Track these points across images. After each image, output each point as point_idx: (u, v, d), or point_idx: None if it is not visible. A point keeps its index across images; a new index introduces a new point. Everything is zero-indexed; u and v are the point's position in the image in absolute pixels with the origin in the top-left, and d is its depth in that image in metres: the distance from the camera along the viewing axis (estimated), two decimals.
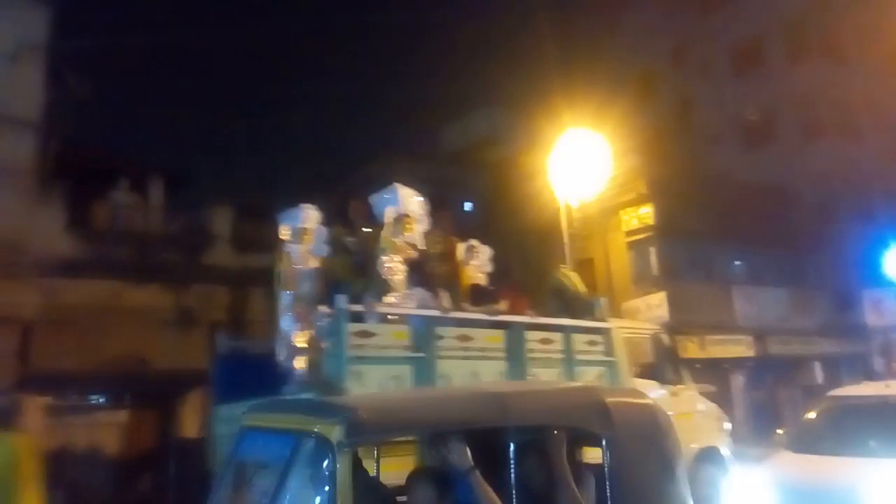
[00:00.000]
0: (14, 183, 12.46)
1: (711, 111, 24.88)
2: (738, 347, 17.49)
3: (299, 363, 6.49)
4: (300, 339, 6.55)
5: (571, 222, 12.55)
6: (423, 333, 6.45)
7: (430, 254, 7.32)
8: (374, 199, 7.11)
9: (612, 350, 7.86)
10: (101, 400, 13.69)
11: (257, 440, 3.70)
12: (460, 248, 7.99)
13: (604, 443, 3.77)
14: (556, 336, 7.36)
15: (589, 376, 7.47)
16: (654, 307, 15.65)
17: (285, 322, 6.75)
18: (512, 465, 3.47)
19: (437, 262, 7.48)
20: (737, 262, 19.14)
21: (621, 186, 15.94)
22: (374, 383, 5.99)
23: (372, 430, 3.27)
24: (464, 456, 3.35)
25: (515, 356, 6.96)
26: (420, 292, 7.02)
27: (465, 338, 6.75)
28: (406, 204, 7.00)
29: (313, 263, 6.91)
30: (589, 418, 3.81)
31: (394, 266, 6.72)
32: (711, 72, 25.13)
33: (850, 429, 7.34)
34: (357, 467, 3.78)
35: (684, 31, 25.88)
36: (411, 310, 6.67)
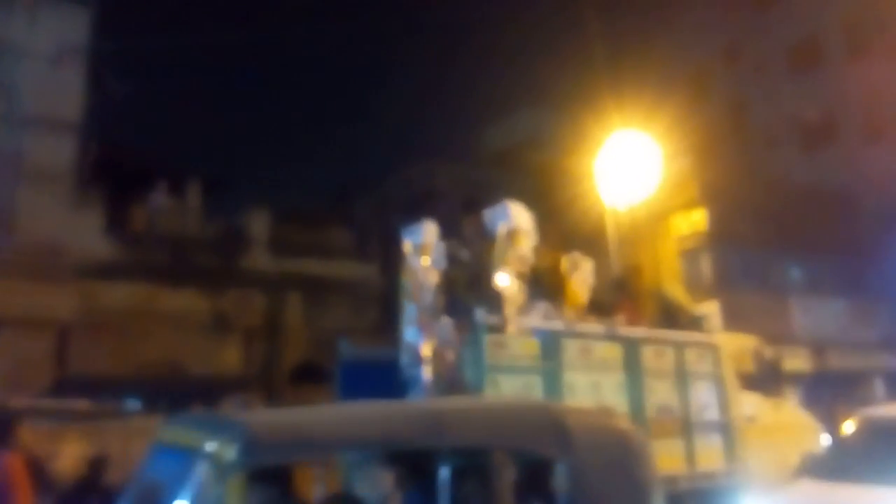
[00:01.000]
0: (54, 185, 12.55)
1: (767, 112, 24.05)
2: (796, 360, 16.65)
3: (426, 371, 6.96)
4: (426, 349, 7.02)
5: (619, 227, 12.12)
6: (550, 345, 6.92)
7: (539, 267, 7.68)
8: (487, 214, 7.56)
9: (719, 363, 8.22)
10: (136, 404, 13.68)
11: (163, 457, 3.45)
12: (565, 262, 8.29)
13: (560, 469, 3.33)
14: (668, 350, 7.77)
15: (699, 388, 7.91)
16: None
17: (410, 332, 7.24)
18: (447, 493, 3.14)
19: (546, 275, 7.86)
20: (794, 271, 18.35)
21: (672, 190, 15.37)
22: (509, 391, 6.46)
23: (272, 449, 2.96)
24: (382, 482, 3.05)
25: (632, 369, 7.39)
26: (544, 306, 7.47)
27: (587, 350, 7.19)
28: (516, 219, 7.40)
29: (433, 277, 7.44)
30: (543, 441, 3.35)
31: (507, 279, 7.10)
32: (767, 71, 24.30)
33: (880, 453, 6.34)
34: (282, 490, 3.56)
35: (738, 28, 25.13)
36: (540, 322, 7.11)
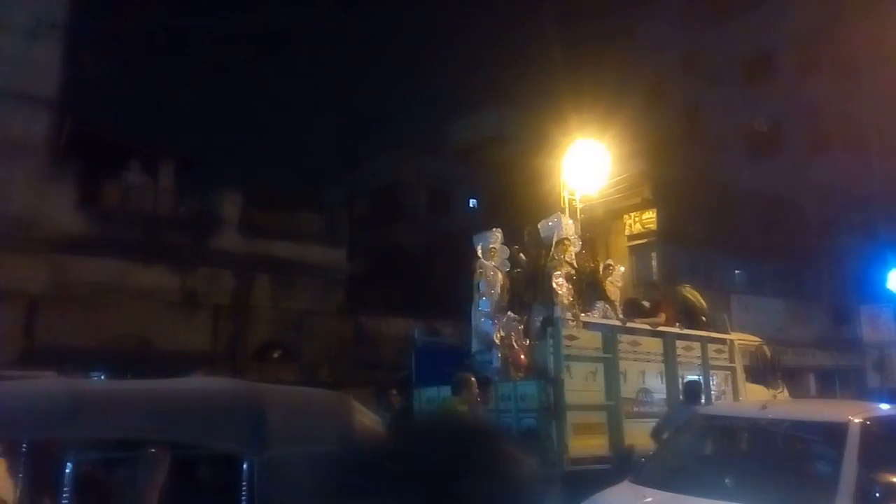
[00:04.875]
0: (27, 159, 12.61)
1: (719, 120, 24.87)
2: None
3: (497, 356, 8.01)
4: (497, 337, 8.07)
5: (576, 224, 12.70)
6: (609, 339, 8.04)
7: (581, 271, 8.80)
8: (541, 225, 8.83)
9: (734, 357, 9.42)
10: (102, 377, 13.79)
11: None
12: (601, 267, 9.35)
13: (246, 468, 2.66)
14: (695, 344, 8.96)
15: (718, 378, 9.07)
16: None
17: (486, 323, 8.30)
18: (77, 492, 2.47)
19: (586, 278, 8.94)
20: (737, 271, 19.22)
21: (626, 190, 16.03)
22: (579, 376, 7.58)
23: None
24: None
25: (669, 360, 8.53)
26: (602, 305, 8.66)
27: (636, 343, 8.35)
28: (565, 229, 8.63)
29: (499, 277, 8.56)
30: (223, 433, 2.69)
31: (560, 281, 8.20)
32: (721, 81, 25.10)
33: (707, 459, 5.71)
34: None
35: (695, 39, 25.82)
36: (599, 320, 8.33)
